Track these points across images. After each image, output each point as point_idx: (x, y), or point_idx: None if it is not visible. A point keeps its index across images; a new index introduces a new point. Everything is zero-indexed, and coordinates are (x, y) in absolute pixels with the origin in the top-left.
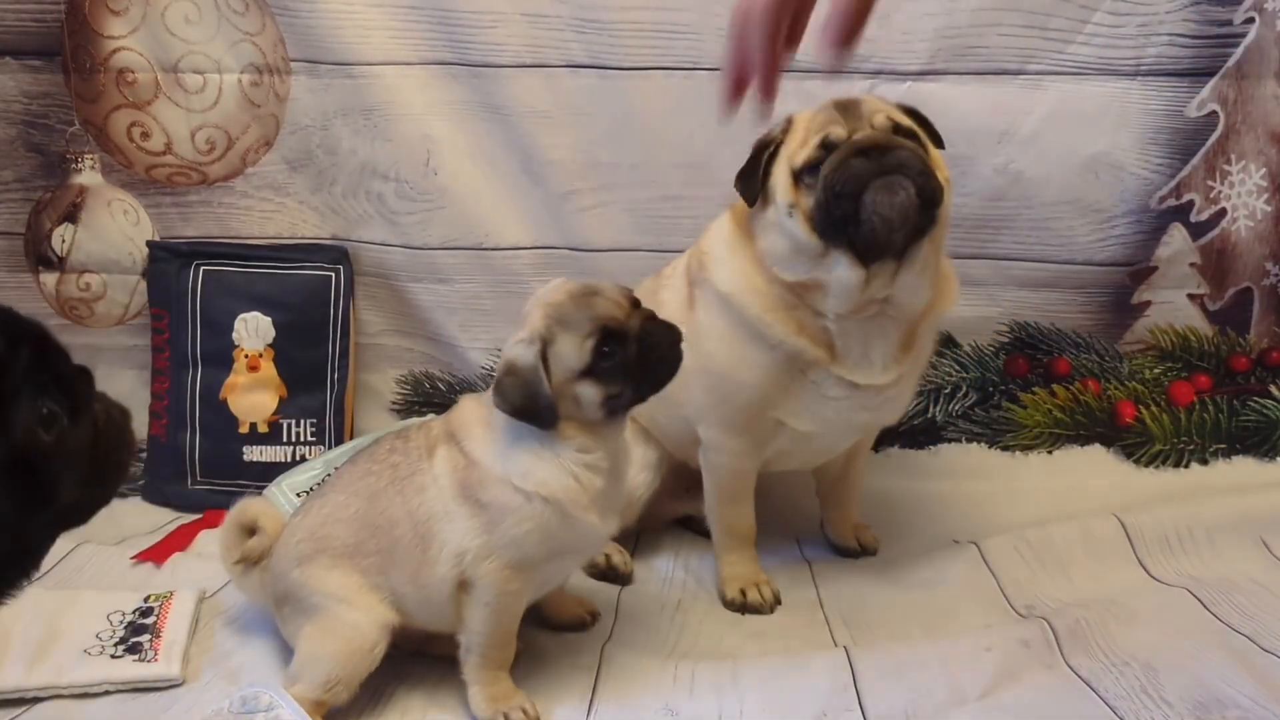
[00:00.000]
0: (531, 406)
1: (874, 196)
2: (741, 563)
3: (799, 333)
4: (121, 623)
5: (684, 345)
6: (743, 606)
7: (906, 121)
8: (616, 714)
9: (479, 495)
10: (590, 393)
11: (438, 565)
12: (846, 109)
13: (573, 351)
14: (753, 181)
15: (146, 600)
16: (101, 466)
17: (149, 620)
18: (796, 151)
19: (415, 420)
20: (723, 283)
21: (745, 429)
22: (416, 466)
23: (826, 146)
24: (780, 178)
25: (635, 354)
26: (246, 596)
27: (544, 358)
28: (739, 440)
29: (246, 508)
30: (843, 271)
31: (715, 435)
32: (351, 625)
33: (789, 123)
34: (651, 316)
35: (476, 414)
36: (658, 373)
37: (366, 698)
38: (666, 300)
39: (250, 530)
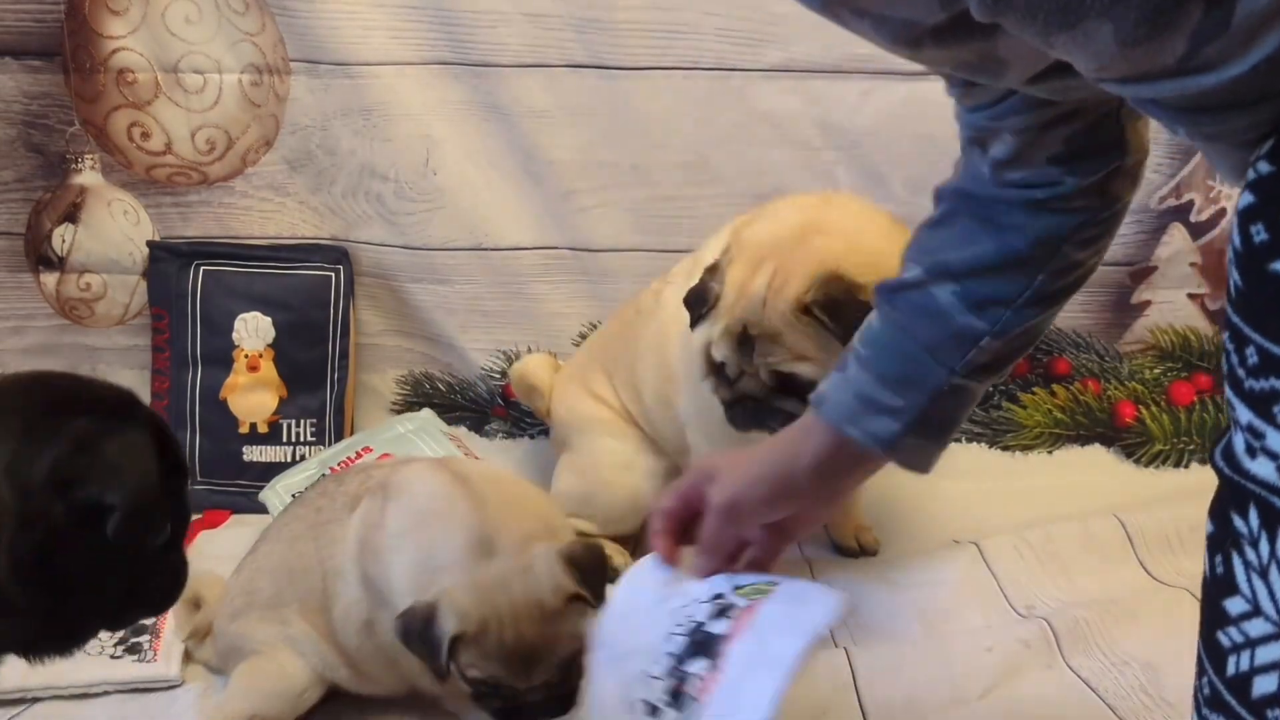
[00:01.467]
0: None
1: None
2: None
3: None
4: None
5: (678, 351)
6: None
7: (792, 369)
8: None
9: (369, 568)
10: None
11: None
12: (745, 337)
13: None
14: (697, 319)
15: None
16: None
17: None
18: (708, 346)
19: (364, 461)
20: None
21: (723, 438)
22: (337, 515)
23: (715, 371)
24: (699, 344)
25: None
26: (206, 668)
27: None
28: (717, 448)
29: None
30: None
31: (699, 441)
32: (279, 667)
33: (720, 276)
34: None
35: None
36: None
37: None
38: (668, 300)
39: (195, 604)
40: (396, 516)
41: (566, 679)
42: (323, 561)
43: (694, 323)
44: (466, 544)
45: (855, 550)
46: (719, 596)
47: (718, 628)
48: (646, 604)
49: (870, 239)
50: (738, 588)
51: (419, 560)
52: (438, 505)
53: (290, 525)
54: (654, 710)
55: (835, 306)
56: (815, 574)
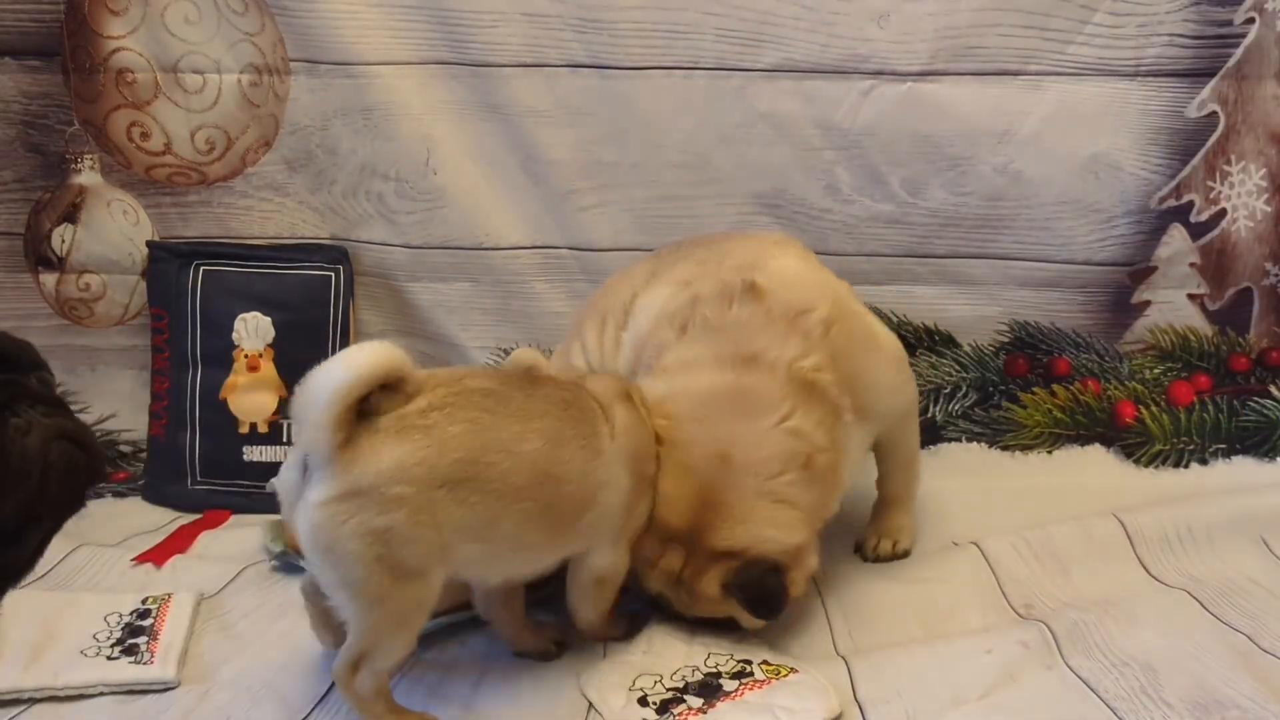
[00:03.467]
0: None
1: None
2: None
3: None
4: (119, 624)
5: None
6: None
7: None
8: None
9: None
10: None
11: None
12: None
13: None
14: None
15: (144, 602)
16: (40, 498)
17: (146, 622)
18: None
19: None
20: None
21: None
22: (596, 427)
23: None
24: None
25: None
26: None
27: None
28: None
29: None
30: None
31: None
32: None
33: None
34: None
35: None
36: None
37: None
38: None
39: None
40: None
41: None
42: (587, 475)
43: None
44: None
45: (872, 556)
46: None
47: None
48: None
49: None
50: (764, 662)
51: None
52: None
53: (545, 421)
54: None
55: (751, 592)
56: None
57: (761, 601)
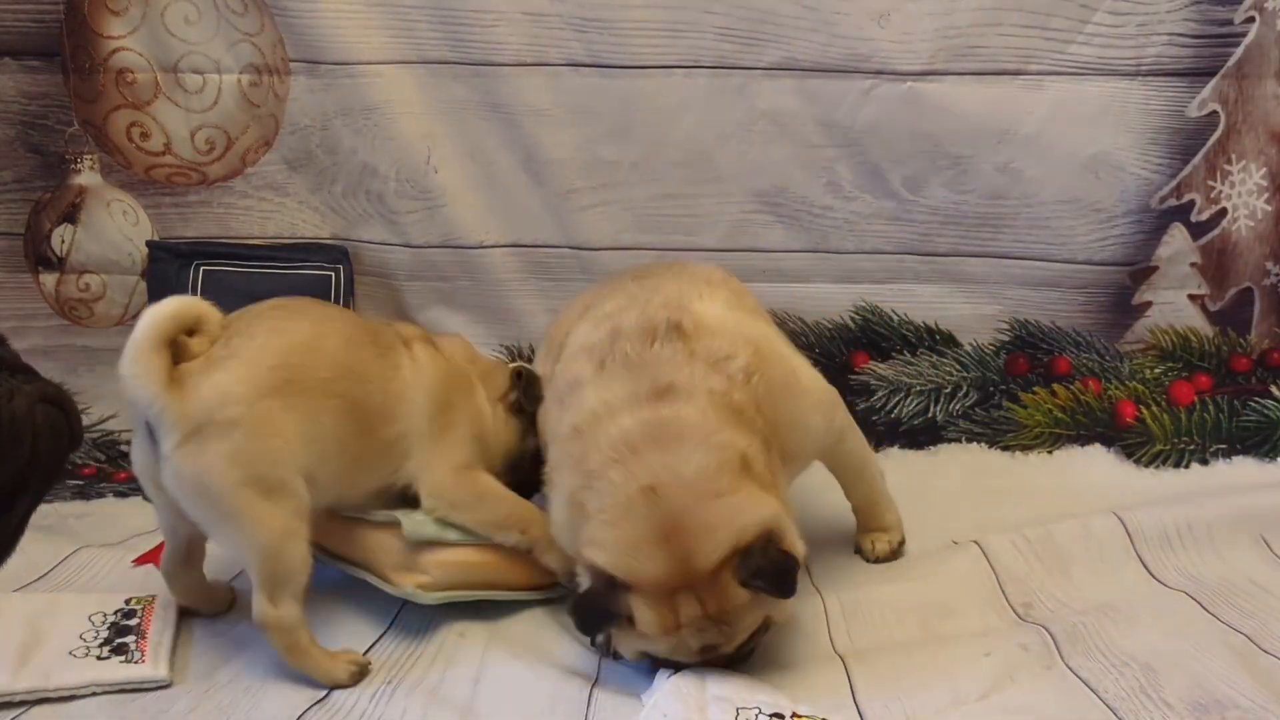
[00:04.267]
0: None
1: None
2: None
3: None
4: (104, 624)
5: None
6: None
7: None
8: (613, 715)
9: None
10: None
11: None
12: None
13: None
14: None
15: (128, 603)
16: (30, 463)
17: (133, 621)
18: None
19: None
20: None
21: None
22: (393, 345)
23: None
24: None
25: None
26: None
27: None
28: None
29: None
30: None
31: None
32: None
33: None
34: None
35: None
36: None
37: None
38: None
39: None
40: None
41: None
42: (387, 381)
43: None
44: None
45: (868, 556)
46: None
47: None
48: None
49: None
50: (795, 714)
51: None
52: None
53: (341, 324)
54: None
55: (768, 571)
56: (815, 572)
57: (780, 576)
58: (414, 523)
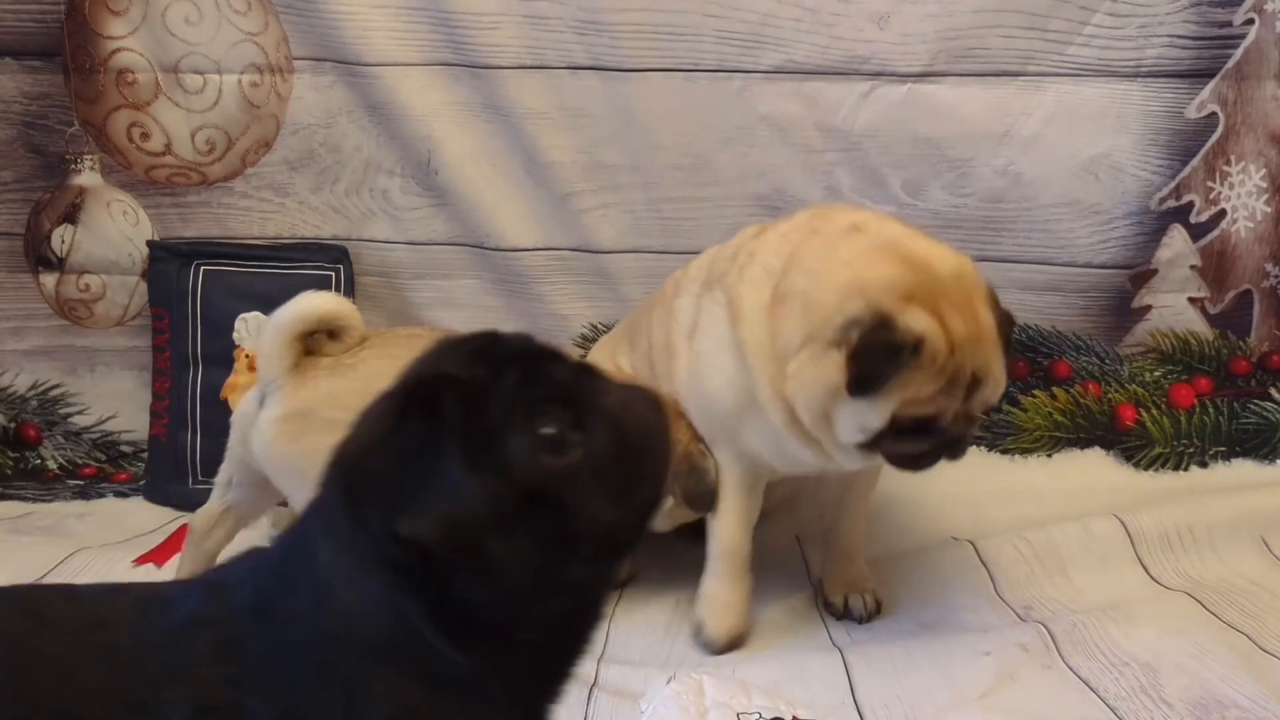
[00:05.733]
0: None
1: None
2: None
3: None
4: None
5: (684, 367)
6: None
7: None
8: (611, 714)
9: None
10: None
11: None
12: (973, 388)
13: None
14: (868, 384)
15: None
16: (631, 470)
17: None
18: (908, 405)
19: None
20: (745, 341)
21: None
22: None
23: (926, 427)
24: (879, 408)
25: None
26: None
27: None
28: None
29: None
30: (845, 457)
31: (766, 454)
32: None
33: (920, 344)
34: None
35: None
36: None
37: None
38: (682, 307)
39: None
40: None
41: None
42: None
43: (871, 385)
44: None
45: (840, 611)
46: None
47: None
48: None
49: (924, 242)
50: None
51: None
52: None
53: None
54: None
55: (1008, 325)
56: (814, 572)
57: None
58: None
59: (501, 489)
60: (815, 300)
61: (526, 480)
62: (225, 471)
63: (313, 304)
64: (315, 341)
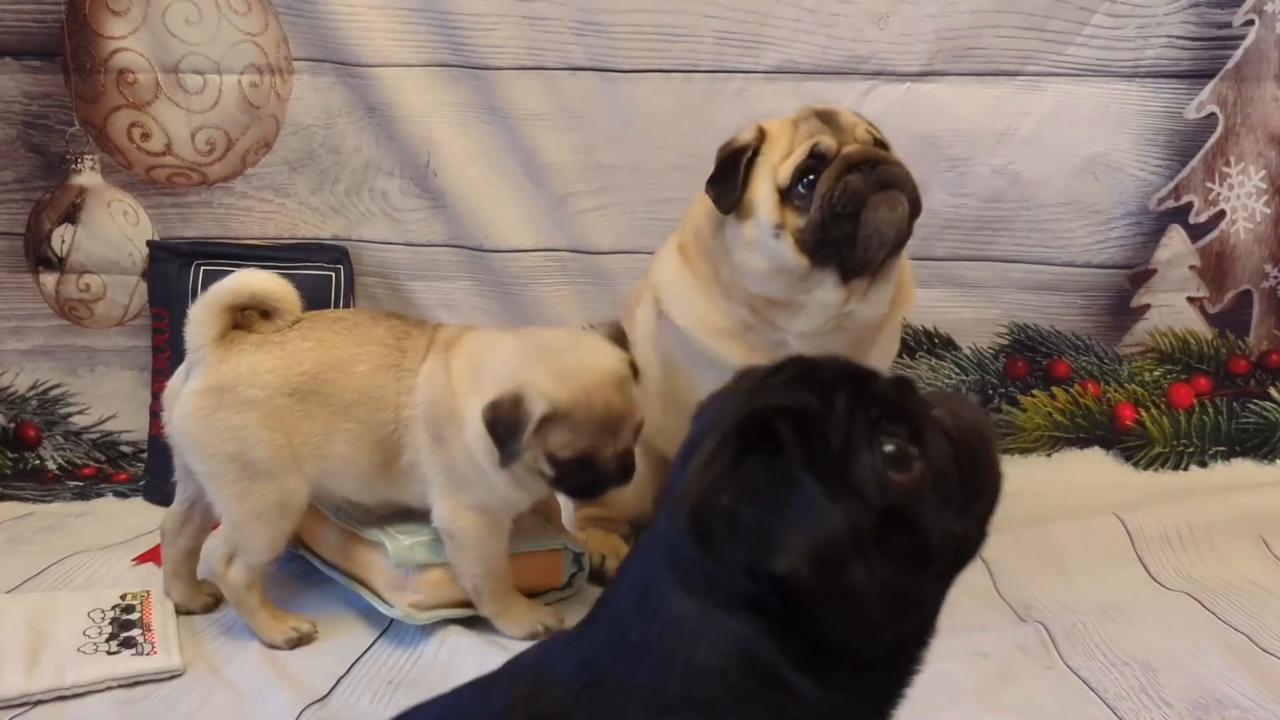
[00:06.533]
0: None
1: (873, 214)
2: None
3: (751, 355)
4: (105, 620)
5: (647, 366)
6: None
7: (879, 134)
8: None
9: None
10: None
11: None
12: (829, 119)
13: None
14: (731, 188)
15: (124, 598)
16: (970, 478)
17: (133, 616)
18: (780, 164)
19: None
20: (680, 317)
21: None
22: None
23: (816, 157)
24: (762, 192)
25: None
26: None
27: None
28: None
29: None
30: (826, 292)
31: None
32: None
33: (761, 132)
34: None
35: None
36: None
37: None
38: (640, 318)
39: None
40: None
41: (629, 448)
42: (399, 409)
43: (729, 201)
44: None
45: None
46: None
47: None
48: None
49: None
50: None
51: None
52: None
53: (371, 350)
54: None
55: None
56: None
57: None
58: (401, 549)
59: (860, 513)
60: None
61: (880, 501)
62: (176, 461)
63: (248, 279)
64: (248, 318)
